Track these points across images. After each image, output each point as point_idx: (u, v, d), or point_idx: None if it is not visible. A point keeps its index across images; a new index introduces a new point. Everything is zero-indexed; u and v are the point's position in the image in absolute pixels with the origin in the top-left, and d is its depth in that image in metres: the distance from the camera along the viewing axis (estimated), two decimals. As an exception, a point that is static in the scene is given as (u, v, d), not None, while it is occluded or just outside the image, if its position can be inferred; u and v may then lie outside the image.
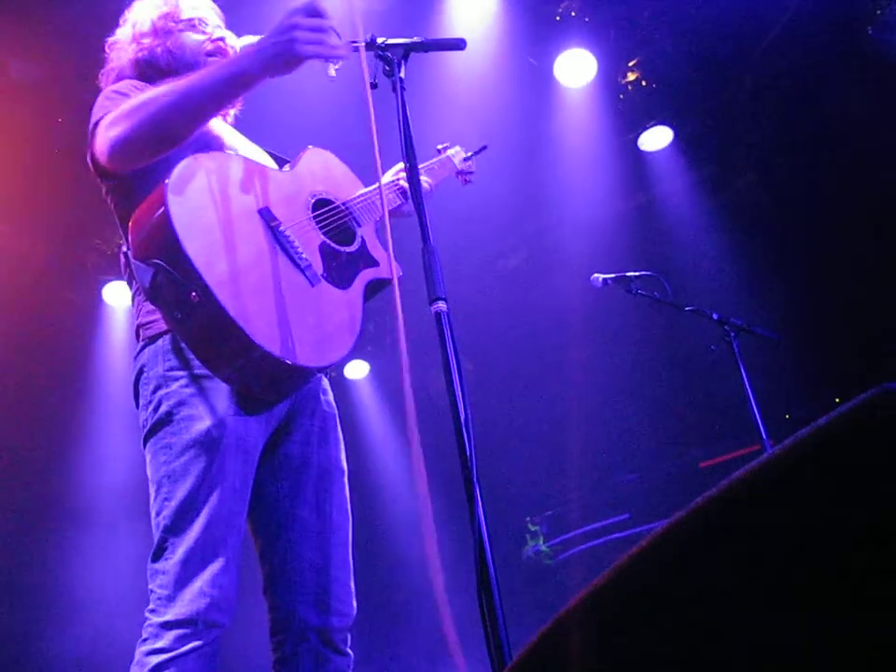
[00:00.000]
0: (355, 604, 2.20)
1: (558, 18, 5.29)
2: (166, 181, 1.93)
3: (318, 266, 2.14)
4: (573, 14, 5.27)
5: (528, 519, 6.62)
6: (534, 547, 6.62)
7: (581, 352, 5.99)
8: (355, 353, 6.48)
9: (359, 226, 2.33)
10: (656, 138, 5.89)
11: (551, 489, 6.58)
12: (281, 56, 1.92)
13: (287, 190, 2.21)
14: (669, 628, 0.89)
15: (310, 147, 2.40)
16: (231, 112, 2.49)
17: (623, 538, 6.07)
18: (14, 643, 5.48)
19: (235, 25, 2.43)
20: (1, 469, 5.64)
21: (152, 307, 2.11)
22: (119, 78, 2.32)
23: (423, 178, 2.55)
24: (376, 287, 2.29)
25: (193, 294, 1.86)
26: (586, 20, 5.27)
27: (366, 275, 2.26)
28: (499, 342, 6.33)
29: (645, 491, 6.18)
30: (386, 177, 2.60)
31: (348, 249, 2.26)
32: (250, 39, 2.17)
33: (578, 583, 5.97)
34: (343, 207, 2.33)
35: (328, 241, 2.21)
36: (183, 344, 2.05)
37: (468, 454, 1.62)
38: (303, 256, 2.10)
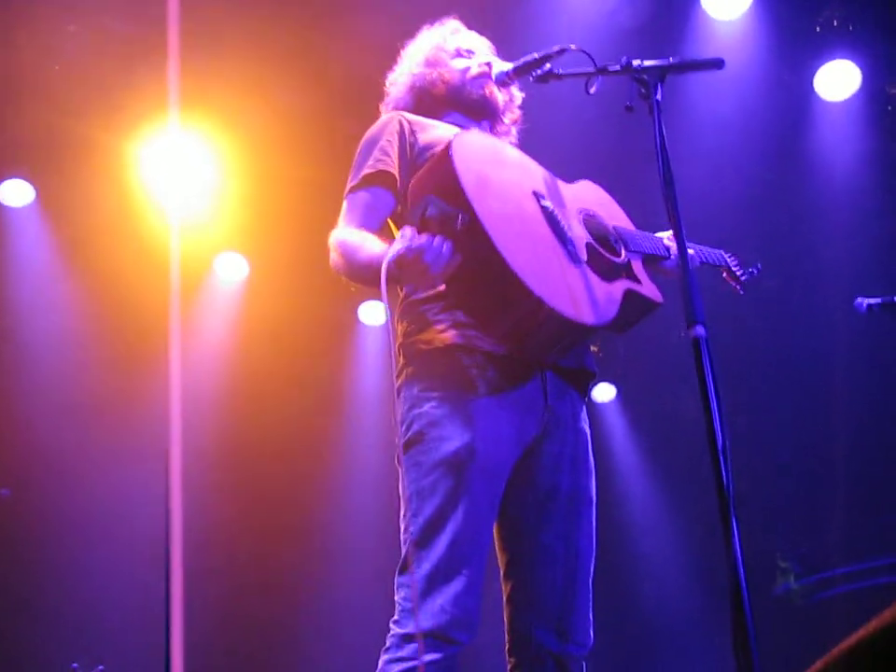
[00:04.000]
0: (592, 634, 2.20)
1: (818, 29, 5.06)
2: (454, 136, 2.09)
3: (582, 254, 2.13)
4: (835, 24, 5.02)
5: (779, 554, 6.28)
6: (783, 585, 6.28)
7: (849, 378, 5.61)
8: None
9: (627, 250, 2.30)
10: (929, 151, 5.44)
11: (805, 524, 6.21)
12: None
13: (559, 194, 2.23)
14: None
15: (587, 180, 2.42)
16: (513, 131, 2.58)
17: (890, 583, 5.62)
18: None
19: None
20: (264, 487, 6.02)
21: (411, 328, 2.20)
22: (396, 107, 2.50)
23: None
24: (634, 302, 2.21)
25: (459, 221, 1.89)
26: (850, 28, 5.01)
27: (625, 284, 2.20)
28: (756, 367, 6.07)
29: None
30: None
31: (613, 258, 2.22)
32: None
33: (833, 628, 5.60)
34: (612, 228, 2.32)
35: (594, 243, 2.19)
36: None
37: (724, 484, 1.58)
38: (569, 237, 2.10)
